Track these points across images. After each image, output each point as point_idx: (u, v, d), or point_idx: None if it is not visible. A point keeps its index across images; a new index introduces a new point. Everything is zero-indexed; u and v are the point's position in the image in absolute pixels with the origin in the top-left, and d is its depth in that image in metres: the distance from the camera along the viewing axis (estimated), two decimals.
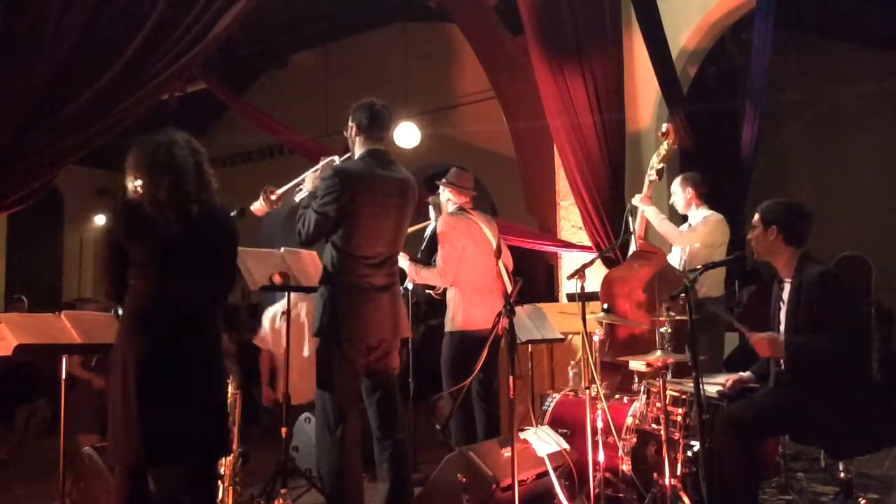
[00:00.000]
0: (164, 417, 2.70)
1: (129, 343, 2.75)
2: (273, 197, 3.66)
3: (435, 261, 4.39)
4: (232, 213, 3.66)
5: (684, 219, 4.91)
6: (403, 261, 4.38)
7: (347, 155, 3.61)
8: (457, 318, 4.34)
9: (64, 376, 3.80)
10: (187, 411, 2.74)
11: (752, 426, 3.19)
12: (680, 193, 4.80)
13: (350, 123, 3.53)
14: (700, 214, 4.73)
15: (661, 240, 4.94)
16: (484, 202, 9.34)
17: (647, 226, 4.79)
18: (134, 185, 2.81)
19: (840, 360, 3.13)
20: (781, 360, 3.32)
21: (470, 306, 4.32)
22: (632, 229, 4.68)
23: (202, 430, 2.79)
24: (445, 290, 4.47)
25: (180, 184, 2.79)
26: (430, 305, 7.01)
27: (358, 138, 3.51)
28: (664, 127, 4.64)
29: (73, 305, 8.29)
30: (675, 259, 4.76)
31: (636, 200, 4.69)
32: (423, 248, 4.76)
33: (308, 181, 3.60)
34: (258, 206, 3.67)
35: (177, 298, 2.78)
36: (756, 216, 3.42)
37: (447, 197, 4.57)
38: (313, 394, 3.48)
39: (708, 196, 4.84)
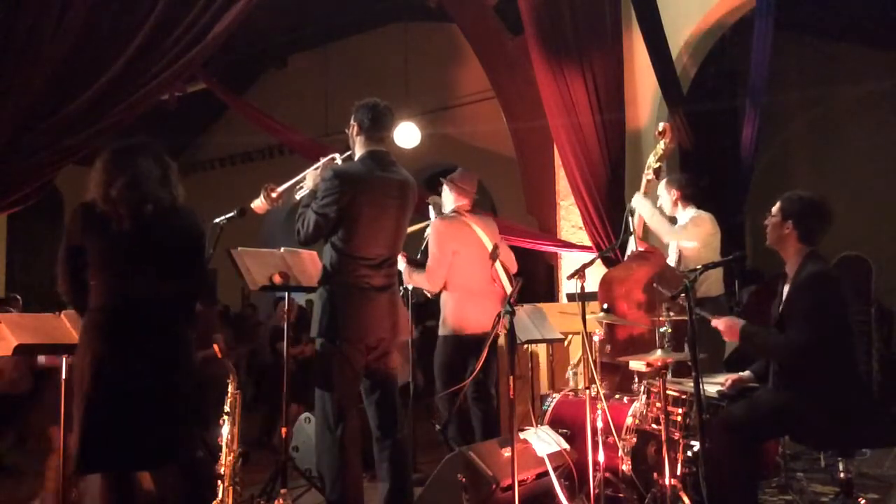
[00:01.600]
0: (107, 422, 2.64)
1: (86, 343, 2.73)
2: (274, 195, 3.64)
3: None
4: (232, 213, 3.65)
5: (672, 220, 4.91)
6: (401, 262, 4.36)
7: (348, 153, 3.61)
8: (448, 321, 4.31)
9: (64, 376, 3.79)
10: (135, 415, 2.66)
11: (749, 429, 3.18)
12: (665, 196, 4.85)
13: (352, 122, 3.52)
14: (687, 215, 4.76)
15: (661, 240, 4.94)
16: (484, 202, 9.34)
17: (647, 226, 4.79)
18: (94, 186, 2.78)
19: (797, 358, 3.11)
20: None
21: (461, 310, 4.27)
22: (632, 229, 4.68)
23: (150, 436, 2.70)
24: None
25: (136, 184, 2.75)
26: (425, 307, 7.00)
27: (359, 138, 3.50)
28: (661, 126, 4.64)
29: None
30: (671, 259, 4.76)
31: (636, 199, 4.68)
32: (423, 247, 4.74)
33: (309, 179, 3.59)
34: (259, 204, 3.65)
35: (132, 298, 2.74)
36: (777, 205, 3.35)
37: (448, 195, 4.55)
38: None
39: (707, 195, 4.84)
